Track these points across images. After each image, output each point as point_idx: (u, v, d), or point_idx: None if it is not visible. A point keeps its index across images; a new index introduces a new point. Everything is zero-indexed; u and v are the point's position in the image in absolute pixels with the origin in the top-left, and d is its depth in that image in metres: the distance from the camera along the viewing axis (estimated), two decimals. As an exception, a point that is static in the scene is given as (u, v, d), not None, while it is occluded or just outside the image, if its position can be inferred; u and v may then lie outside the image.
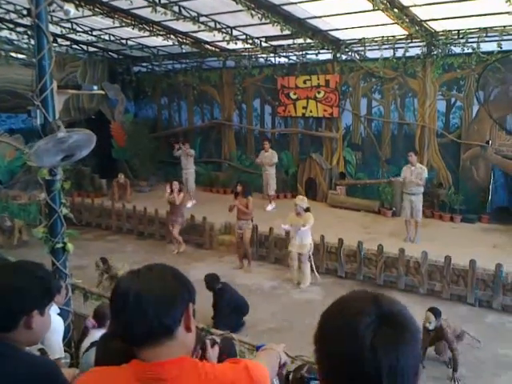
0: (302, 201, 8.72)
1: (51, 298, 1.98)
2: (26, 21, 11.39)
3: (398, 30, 11.06)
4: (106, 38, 14.08)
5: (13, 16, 11.91)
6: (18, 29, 12.71)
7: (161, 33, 12.92)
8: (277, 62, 14.38)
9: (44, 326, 1.91)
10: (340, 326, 1.13)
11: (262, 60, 14.76)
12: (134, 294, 1.40)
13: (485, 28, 10.52)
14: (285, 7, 10.39)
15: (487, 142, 11.17)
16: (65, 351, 3.77)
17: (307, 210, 8.68)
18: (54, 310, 3.59)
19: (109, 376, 1.48)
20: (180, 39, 13.55)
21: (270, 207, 12.51)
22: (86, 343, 4.19)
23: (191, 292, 1.50)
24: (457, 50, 11.33)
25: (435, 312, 5.97)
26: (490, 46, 10.86)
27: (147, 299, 1.40)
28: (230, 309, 7.04)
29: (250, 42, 13.06)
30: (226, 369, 1.52)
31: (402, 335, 1.11)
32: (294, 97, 13.93)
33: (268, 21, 10.47)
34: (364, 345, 1.07)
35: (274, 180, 12.79)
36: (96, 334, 3.89)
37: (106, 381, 1.47)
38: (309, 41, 12.20)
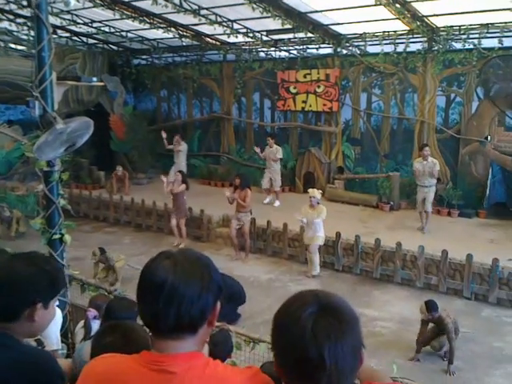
0: (318, 193, 8.83)
1: (58, 291, 1.96)
2: (26, 12, 11.33)
3: (399, 26, 11.04)
4: (106, 30, 14.04)
5: (13, 7, 11.86)
6: (18, 20, 12.67)
7: (161, 25, 12.88)
8: (277, 56, 14.35)
9: (47, 319, 1.91)
10: (286, 318, 1.30)
11: (262, 54, 14.73)
12: (170, 285, 1.36)
13: (486, 24, 10.51)
14: (286, 1, 10.37)
15: (486, 138, 11.19)
16: (62, 342, 3.79)
17: (317, 202, 8.89)
18: (54, 302, 3.61)
19: (118, 364, 1.47)
20: (180, 32, 13.52)
21: (276, 203, 12.47)
22: (77, 328, 4.22)
23: (221, 289, 1.48)
24: (458, 45, 11.34)
25: (430, 305, 6.00)
26: (491, 42, 10.85)
27: (183, 294, 1.37)
28: (226, 299, 7.05)
29: (251, 35, 13.03)
30: (237, 373, 1.48)
31: (339, 322, 1.25)
32: (293, 91, 13.91)
33: (269, 14, 10.45)
34: (306, 332, 1.22)
35: (280, 175, 12.68)
36: (95, 327, 3.92)
37: (116, 368, 1.45)
38: (310, 35, 12.18)
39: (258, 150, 12.73)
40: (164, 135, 13.72)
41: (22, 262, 1.87)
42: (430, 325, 6.30)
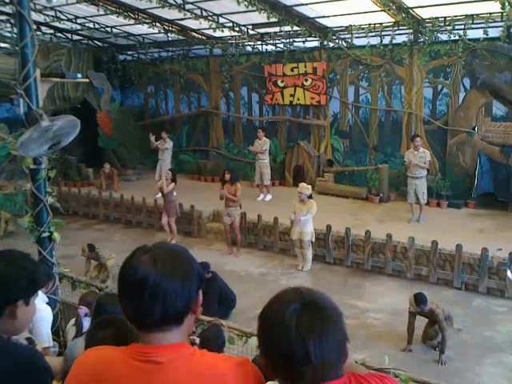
0: (306, 189, 8.83)
1: (37, 288, 1.98)
2: (8, 9, 11.19)
3: (385, 18, 11.06)
4: (91, 26, 13.93)
5: (-5, 4, 11.71)
6: (0, 17, 12.51)
7: (146, 20, 12.81)
8: (264, 50, 14.31)
9: (28, 315, 1.91)
10: (270, 316, 1.33)
11: (249, 48, 14.68)
12: (153, 282, 1.37)
13: (471, 15, 10.56)
14: (271, -6, 10.35)
15: (473, 129, 11.26)
16: (53, 340, 3.77)
17: (309, 197, 8.87)
18: (42, 299, 3.60)
19: (107, 356, 1.49)
20: (166, 27, 13.43)
21: (268, 197, 12.45)
22: (68, 326, 4.20)
23: (201, 279, 1.49)
24: (443, 37, 11.35)
25: (419, 298, 6.03)
26: (476, 33, 10.89)
27: (166, 289, 1.38)
28: (219, 299, 7.07)
29: (237, 29, 12.99)
30: (224, 360, 1.50)
31: (323, 318, 1.30)
32: (281, 85, 13.89)
33: (254, 8, 10.42)
34: (291, 329, 1.26)
35: (269, 169, 12.57)
36: (86, 324, 3.90)
37: (105, 360, 1.48)
38: (296, 28, 12.16)
39: (251, 148, 12.77)
40: (152, 138, 13.58)
41: (0, 261, 1.86)
42: (424, 320, 6.34)
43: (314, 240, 9.01)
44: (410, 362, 5.89)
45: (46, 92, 4.22)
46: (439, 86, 11.82)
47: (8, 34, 12.75)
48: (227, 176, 9.56)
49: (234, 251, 9.95)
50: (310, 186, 9.08)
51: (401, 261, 8.70)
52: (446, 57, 11.49)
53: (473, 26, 10.82)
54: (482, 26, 10.69)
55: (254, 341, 3.92)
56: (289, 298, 1.33)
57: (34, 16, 9.88)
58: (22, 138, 3.42)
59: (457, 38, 11.05)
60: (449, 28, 11.06)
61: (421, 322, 6.39)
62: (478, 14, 10.48)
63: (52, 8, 12.19)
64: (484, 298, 7.88)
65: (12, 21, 11.64)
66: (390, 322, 7.12)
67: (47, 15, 12.77)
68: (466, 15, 10.59)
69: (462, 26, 10.93)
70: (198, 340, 3.78)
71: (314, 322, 1.28)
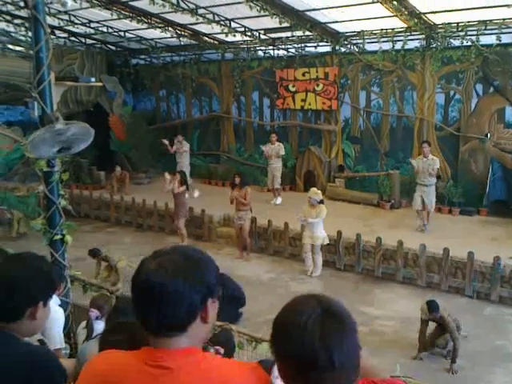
0: (316, 194, 8.80)
1: (54, 289, 2.03)
2: (24, 12, 11.32)
3: (397, 23, 11.04)
4: (104, 30, 14.04)
5: (10, 8, 11.86)
6: (16, 21, 12.66)
7: (159, 25, 12.88)
8: (275, 55, 14.33)
9: (45, 316, 1.95)
10: (291, 323, 1.32)
11: (260, 52, 14.71)
12: (151, 287, 1.39)
13: (484, 21, 10.49)
14: (283, -1, 10.37)
15: (486, 135, 11.17)
16: (64, 342, 3.78)
17: (321, 202, 8.81)
18: (55, 301, 3.61)
19: (118, 359, 1.51)
20: (178, 31, 13.51)
21: (278, 200, 12.41)
22: (79, 328, 4.21)
23: (211, 288, 1.46)
24: (456, 42, 11.30)
25: (431, 306, 5.99)
26: (489, 39, 10.83)
27: (165, 294, 1.38)
28: (226, 301, 7.04)
29: (249, 34, 13.03)
30: (235, 366, 1.50)
31: (342, 325, 1.32)
32: (292, 89, 13.89)
33: (267, 13, 10.45)
34: (314, 336, 1.27)
35: (280, 173, 12.60)
36: (97, 327, 3.91)
37: (116, 363, 1.49)
38: (308, 33, 12.16)
39: (264, 149, 12.72)
40: (166, 142, 13.64)
41: (19, 263, 1.91)
42: (434, 325, 6.29)
43: (327, 242, 8.93)
44: (420, 370, 5.83)
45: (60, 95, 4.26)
46: (451, 92, 11.76)
47: (23, 38, 12.88)
48: (237, 180, 9.58)
49: (244, 256, 9.94)
50: (320, 192, 9.04)
51: (412, 268, 8.63)
52: (458, 63, 11.42)
53: (486, 31, 10.75)
54: (495, 31, 10.63)
55: (264, 346, 3.91)
56: (309, 305, 1.34)
57: (49, 20, 9.98)
58: (33, 135, 3.44)
59: (469, 43, 11.00)
60: (461, 34, 11.00)
61: (432, 329, 6.34)
62: (490, 20, 10.41)
63: (66, 12, 12.32)
64: (496, 306, 7.79)
65: (27, 25, 11.76)
66: (401, 330, 7.07)
67: (61, 19, 12.90)
68: (479, 21, 10.53)
69: (475, 32, 10.86)
70: (222, 350, 3.77)
71: (336, 328, 1.30)
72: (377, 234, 9.11)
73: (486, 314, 7.60)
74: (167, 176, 10.39)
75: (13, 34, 13.11)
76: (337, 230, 9.24)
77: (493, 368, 6.11)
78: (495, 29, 10.60)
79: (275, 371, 1.43)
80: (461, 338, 6.36)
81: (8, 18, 12.58)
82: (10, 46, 13.72)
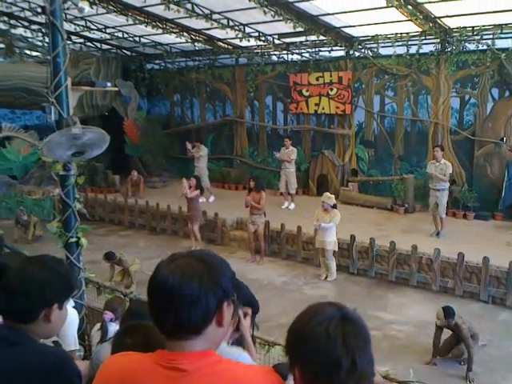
0: (329, 198, 8.79)
1: (72, 292, 2.03)
2: (41, 18, 11.51)
3: (412, 27, 11.00)
4: (120, 35, 14.18)
5: (27, 14, 12.03)
6: (33, 26, 12.86)
7: (174, 30, 12.97)
8: (289, 59, 14.36)
9: (61, 319, 1.96)
10: (311, 331, 1.33)
11: (274, 57, 14.76)
12: (167, 289, 1.40)
13: (500, 25, 10.43)
14: (298, 4, 10.40)
15: (502, 139, 11.07)
16: (79, 344, 3.82)
17: (334, 206, 8.78)
18: (69, 303, 3.65)
19: (133, 361, 1.51)
20: (193, 36, 13.60)
21: (291, 206, 12.39)
22: (93, 331, 4.25)
23: (227, 291, 1.47)
24: (471, 46, 11.23)
25: (447, 311, 5.94)
26: (505, 43, 10.75)
27: (181, 297, 1.39)
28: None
29: (263, 39, 13.07)
30: (249, 369, 1.51)
31: (360, 331, 1.35)
32: (306, 94, 13.90)
33: (281, 18, 10.47)
34: (337, 341, 1.29)
35: (295, 178, 12.59)
36: (111, 329, 3.94)
37: (130, 365, 1.50)
38: (321, 38, 12.17)
39: (277, 154, 12.72)
40: (189, 146, 13.72)
41: (36, 265, 1.92)
42: (449, 332, 6.23)
43: (336, 249, 8.95)
44: (434, 375, 5.79)
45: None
46: (466, 96, 11.68)
47: (40, 43, 13.06)
48: (252, 184, 9.61)
49: (257, 259, 9.96)
50: (333, 196, 9.02)
51: (426, 273, 8.58)
52: (473, 66, 11.35)
53: (501, 35, 10.68)
54: (511, 35, 10.54)
55: (276, 350, 3.91)
56: (327, 312, 1.36)
57: (66, 25, 10.10)
58: (49, 137, 3.47)
59: (485, 47, 10.92)
60: (477, 38, 10.94)
61: (447, 335, 6.29)
62: (506, 24, 10.34)
63: (82, 18, 12.46)
64: (511, 312, 7.71)
65: (44, 30, 11.94)
66: (414, 335, 7.02)
67: (78, 25, 13.06)
68: (495, 25, 10.46)
69: (490, 36, 10.79)
70: (250, 310, 3.74)
71: (357, 333, 1.33)
72: (390, 239, 9.06)
73: (501, 319, 7.52)
74: (185, 182, 10.47)
75: (30, 40, 13.31)
76: (350, 234, 9.21)
77: (508, 374, 6.03)
78: (511, 32, 10.51)
79: (290, 381, 1.43)
80: (479, 346, 6.29)
81: (26, 23, 12.78)
82: (28, 52, 13.93)
